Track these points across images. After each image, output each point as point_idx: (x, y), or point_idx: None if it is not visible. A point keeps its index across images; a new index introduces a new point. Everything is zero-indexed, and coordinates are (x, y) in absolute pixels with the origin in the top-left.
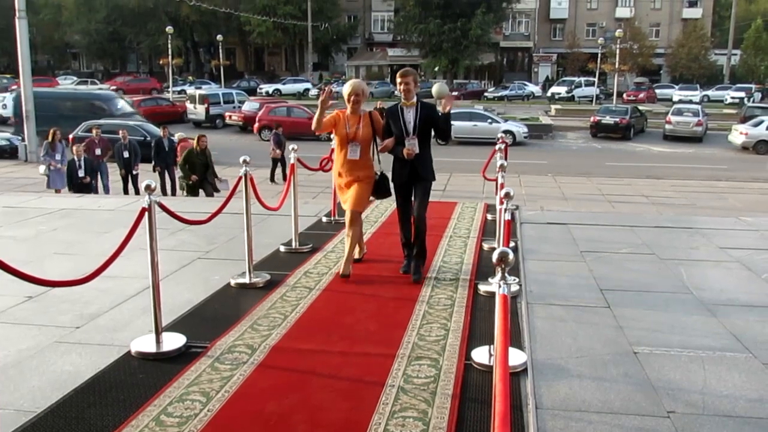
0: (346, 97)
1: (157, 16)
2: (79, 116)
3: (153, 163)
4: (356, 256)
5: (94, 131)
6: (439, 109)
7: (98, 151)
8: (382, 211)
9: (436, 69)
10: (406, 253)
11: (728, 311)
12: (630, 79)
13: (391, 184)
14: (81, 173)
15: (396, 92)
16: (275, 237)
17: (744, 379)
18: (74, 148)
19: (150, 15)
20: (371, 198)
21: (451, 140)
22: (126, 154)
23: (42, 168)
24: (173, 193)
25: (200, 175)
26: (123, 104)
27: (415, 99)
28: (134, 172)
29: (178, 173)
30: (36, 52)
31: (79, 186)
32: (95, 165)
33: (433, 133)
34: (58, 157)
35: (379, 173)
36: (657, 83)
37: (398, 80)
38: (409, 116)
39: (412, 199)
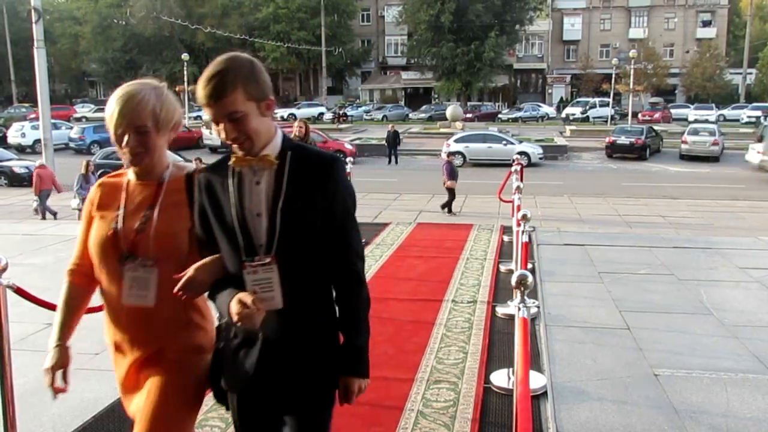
0: (111, 129)
1: (173, 44)
2: None
3: None
4: None
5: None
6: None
7: None
8: (399, 233)
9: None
10: None
11: (749, 332)
12: (645, 99)
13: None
14: None
15: (410, 113)
16: None
17: None
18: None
19: (166, 43)
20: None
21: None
22: None
23: (74, 202)
24: None
25: None
26: None
27: (277, 145)
28: None
29: None
30: (54, 81)
31: None
32: None
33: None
34: None
35: (220, 337)
36: (672, 103)
37: (200, 94)
38: (258, 196)
39: None
